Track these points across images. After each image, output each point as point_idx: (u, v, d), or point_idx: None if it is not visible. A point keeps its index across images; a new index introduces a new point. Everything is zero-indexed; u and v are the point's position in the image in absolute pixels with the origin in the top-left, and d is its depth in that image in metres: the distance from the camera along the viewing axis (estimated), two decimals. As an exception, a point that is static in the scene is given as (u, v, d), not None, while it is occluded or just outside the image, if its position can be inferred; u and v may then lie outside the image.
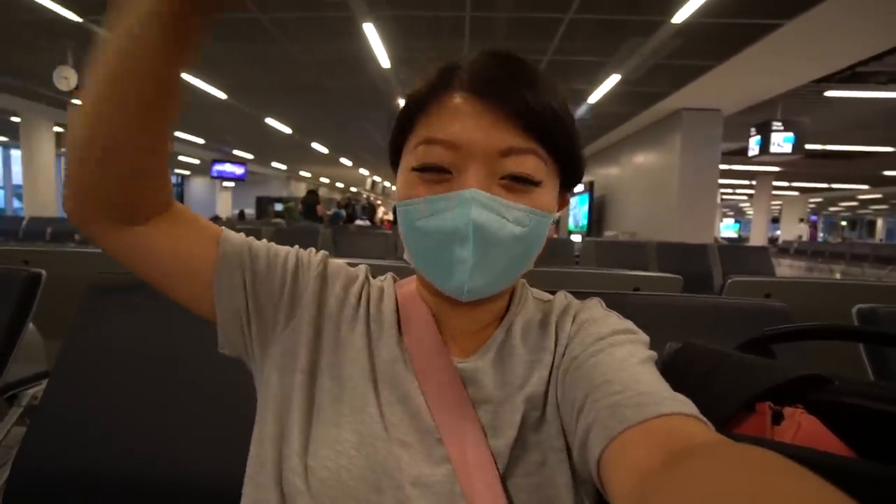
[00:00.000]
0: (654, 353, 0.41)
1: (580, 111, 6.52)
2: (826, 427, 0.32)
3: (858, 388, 0.33)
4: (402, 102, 0.45)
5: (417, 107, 0.43)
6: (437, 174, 0.41)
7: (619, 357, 0.38)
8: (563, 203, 0.48)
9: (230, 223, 7.67)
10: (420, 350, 0.46)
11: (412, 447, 0.41)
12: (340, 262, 0.52)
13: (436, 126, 0.41)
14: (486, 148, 0.39)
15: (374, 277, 0.54)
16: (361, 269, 0.52)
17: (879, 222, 28.68)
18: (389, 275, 0.54)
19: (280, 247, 0.49)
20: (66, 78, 4.78)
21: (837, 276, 10.28)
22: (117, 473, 0.67)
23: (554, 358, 0.44)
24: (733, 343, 0.54)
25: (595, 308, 0.47)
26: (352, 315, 0.48)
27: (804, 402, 0.34)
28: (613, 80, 5.02)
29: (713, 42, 3.98)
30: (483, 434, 0.41)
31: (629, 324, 0.44)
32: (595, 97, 5.72)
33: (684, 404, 0.33)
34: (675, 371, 0.41)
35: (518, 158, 0.40)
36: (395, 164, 0.48)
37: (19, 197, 11.10)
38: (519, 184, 0.40)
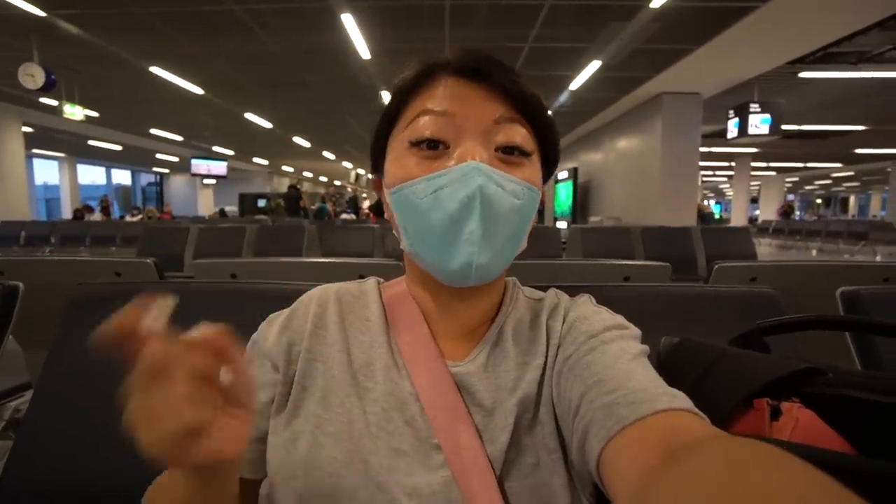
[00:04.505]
0: (646, 347, 0.41)
1: (562, 98, 6.52)
2: (822, 420, 0.33)
3: (852, 378, 0.34)
4: (385, 95, 0.45)
5: (406, 93, 0.44)
6: (433, 151, 0.41)
7: (612, 354, 0.39)
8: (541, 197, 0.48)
9: (211, 222, 7.53)
10: (413, 354, 0.45)
11: (408, 455, 0.40)
12: (269, 319, 0.49)
13: (429, 102, 0.42)
14: (479, 116, 0.41)
15: (362, 277, 0.53)
16: (303, 299, 0.50)
17: (852, 199, 29.54)
18: (373, 278, 0.53)
19: None
20: (31, 76, 4.59)
21: (814, 253, 10.57)
22: (107, 489, 0.66)
23: (546, 358, 0.44)
24: (725, 330, 0.55)
25: (585, 305, 0.47)
26: (313, 334, 0.46)
27: (800, 395, 0.35)
28: (594, 66, 5.03)
29: (691, 25, 4.01)
30: (479, 438, 0.41)
31: (620, 318, 0.44)
32: (577, 83, 5.72)
33: (678, 399, 0.33)
34: (671, 367, 0.42)
35: (509, 127, 0.41)
36: (379, 156, 0.47)
37: (-12, 201, 10.69)
38: (512, 155, 0.42)
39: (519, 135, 0.42)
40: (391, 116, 0.45)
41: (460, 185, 0.39)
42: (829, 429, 0.33)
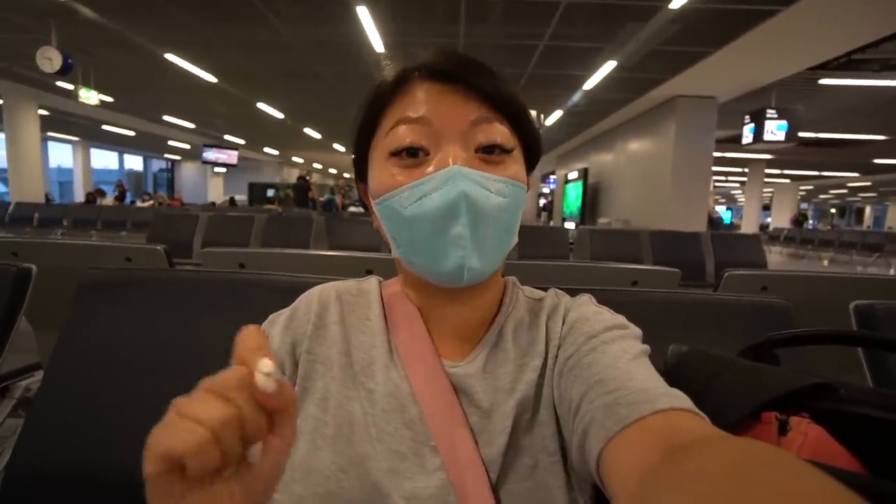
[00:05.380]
0: (647, 347, 0.41)
1: (575, 97, 6.47)
2: (832, 437, 0.33)
3: (864, 395, 0.33)
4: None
5: (383, 100, 0.44)
6: (413, 159, 0.41)
7: (612, 354, 0.38)
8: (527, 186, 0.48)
9: (221, 210, 7.59)
10: (410, 354, 0.45)
11: (406, 458, 0.40)
12: (271, 319, 0.49)
13: (405, 109, 0.42)
14: (457, 119, 0.41)
15: (369, 272, 0.53)
16: (303, 298, 0.50)
17: (868, 210, 29.03)
18: (374, 278, 0.52)
19: None
20: (49, 59, 4.64)
21: (825, 263, 10.42)
22: (115, 472, 0.67)
23: (546, 359, 0.44)
24: (734, 339, 0.54)
25: (586, 305, 0.47)
26: (314, 335, 0.46)
27: (809, 411, 0.34)
28: (609, 66, 4.98)
29: (710, 28, 3.95)
30: (473, 439, 0.41)
31: (621, 318, 0.44)
32: (591, 83, 5.67)
33: (679, 399, 0.33)
34: (678, 376, 0.41)
35: (488, 127, 0.41)
36: (362, 164, 0.46)
37: (4, 181, 10.89)
38: (493, 154, 0.42)
39: (498, 133, 0.42)
40: (371, 124, 0.45)
41: (445, 191, 0.39)
42: (840, 446, 0.32)
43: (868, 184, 17.00)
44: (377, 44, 4.64)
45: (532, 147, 0.46)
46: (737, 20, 3.75)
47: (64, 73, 4.73)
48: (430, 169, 0.40)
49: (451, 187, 0.39)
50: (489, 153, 0.42)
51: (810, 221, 23.42)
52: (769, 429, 0.34)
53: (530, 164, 0.47)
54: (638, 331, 0.43)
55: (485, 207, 0.39)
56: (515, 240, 0.45)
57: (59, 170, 17.91)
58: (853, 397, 0.34)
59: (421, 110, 0.41)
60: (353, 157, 0.48)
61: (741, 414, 0.35)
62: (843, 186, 19.15)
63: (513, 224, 0.43)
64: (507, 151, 0.42)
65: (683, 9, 3.54)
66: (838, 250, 10.64)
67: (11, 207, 6.67)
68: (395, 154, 0.42)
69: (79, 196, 12.68)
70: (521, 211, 0.45)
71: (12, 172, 7.80)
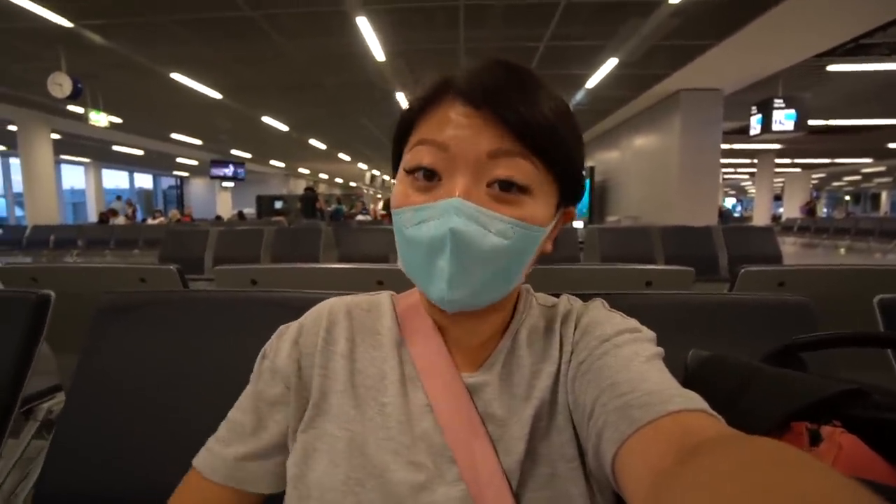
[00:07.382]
0: (660, 350, 0.40)
1: (578, 96, 6.45)
2: (867, 445, 0.31)
3: (898, 401, 0.32)
4: (400, 97, 0.45)
5: (414, 115, 0.43)
6: (426, 181, 0.40)
7: (625, 357, 0.38)
8: (568, 216, 0.46)
9: (230, 224, 7.68)
10: (428, 366, 0.45)
11: (424, 470, 0.40)
12: (280, 332, 0.49)
13: (429, 130, 0.41)
14: (474, 149, 0.38)
15: (380, 283, 0.53)
16: (313, 313, 0.50)
17: (884, 195, 28.41)
18: (386, 292, 0.52)
19: (244, 396, 0.48)
20: (59, 84, 4.76)
21: (842, 252, 10.20)
22: (139, 492, 0.67)
23: (559, 365, 0.44)
24: (754, 340, 0.52)
25: (598, 310, 0.46)
26: (324, 350, 0.46)
27: (841, 419, 0.33)
28: (611, 63, 4.96)
29: (712, 20, 3.91)
30: (493, 450, 0.40)
31: (633, 322, 0.43)
32: (593, 81, 5.66)
33: (693, 400, 0.33)
34: (700, 383, 0.40)
35: (507, 161, 0.38)
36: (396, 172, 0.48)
37: (21, 205, 11.13)
38: (507, 193, 0.39)
39: (517, 170, 0.38)
40: (401, 138, 0.45)
41: (437, 223, 0.38)
42: (876, 456, 0.31)
43: (883, 169, 16.66)
44: (378, 53, 4.67)
45: (568, 185, 0.42)
46: (739, 11, 3.71)
47: (74, 97, 4.84)
48: (440, 194, 0.39)
49: (444, 221, 0.38)
50: (505, 190, 0.39)
51: (824, 209, 22.94)
52: (800, 440, 0.33)
53: (571, 199, 0.44)
54: (651, 334, 0.42)
55: (477, 247, 0.38)
56: (519, 281, 0.43)
57: (73, 191, 18.28)
58: (887, 403, 0.33)
59: (441, 134, 0.39)
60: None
61: (769, 424, 0.34)
62: (857, 173, 18.78)
63: (514, 266, 0.41)
64: (523, 190, 0.39)
65: (684, 2, 3.52)
66: (855, 238, 10.41)
67: (28, 230, 6.83)
68: (411, 172, 0.41)
69: (92, 216, 12.93)
70: (532, 253, 0.42)
71: (28, 196, 7.98)
